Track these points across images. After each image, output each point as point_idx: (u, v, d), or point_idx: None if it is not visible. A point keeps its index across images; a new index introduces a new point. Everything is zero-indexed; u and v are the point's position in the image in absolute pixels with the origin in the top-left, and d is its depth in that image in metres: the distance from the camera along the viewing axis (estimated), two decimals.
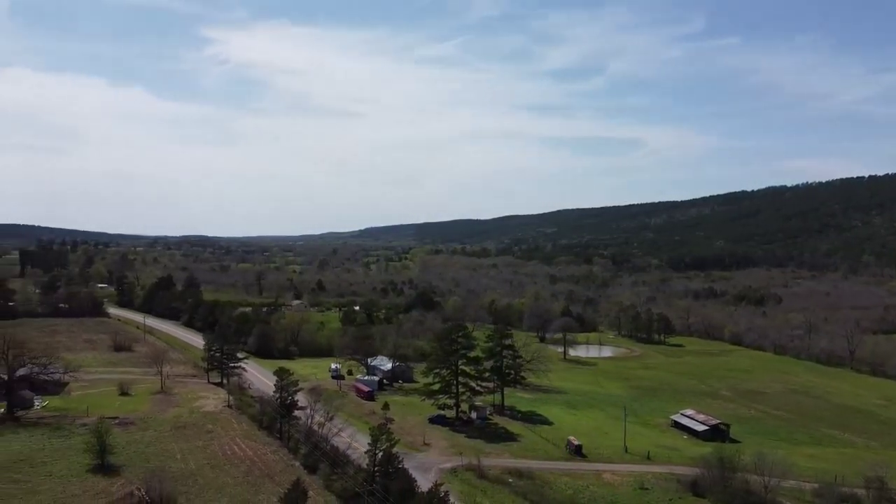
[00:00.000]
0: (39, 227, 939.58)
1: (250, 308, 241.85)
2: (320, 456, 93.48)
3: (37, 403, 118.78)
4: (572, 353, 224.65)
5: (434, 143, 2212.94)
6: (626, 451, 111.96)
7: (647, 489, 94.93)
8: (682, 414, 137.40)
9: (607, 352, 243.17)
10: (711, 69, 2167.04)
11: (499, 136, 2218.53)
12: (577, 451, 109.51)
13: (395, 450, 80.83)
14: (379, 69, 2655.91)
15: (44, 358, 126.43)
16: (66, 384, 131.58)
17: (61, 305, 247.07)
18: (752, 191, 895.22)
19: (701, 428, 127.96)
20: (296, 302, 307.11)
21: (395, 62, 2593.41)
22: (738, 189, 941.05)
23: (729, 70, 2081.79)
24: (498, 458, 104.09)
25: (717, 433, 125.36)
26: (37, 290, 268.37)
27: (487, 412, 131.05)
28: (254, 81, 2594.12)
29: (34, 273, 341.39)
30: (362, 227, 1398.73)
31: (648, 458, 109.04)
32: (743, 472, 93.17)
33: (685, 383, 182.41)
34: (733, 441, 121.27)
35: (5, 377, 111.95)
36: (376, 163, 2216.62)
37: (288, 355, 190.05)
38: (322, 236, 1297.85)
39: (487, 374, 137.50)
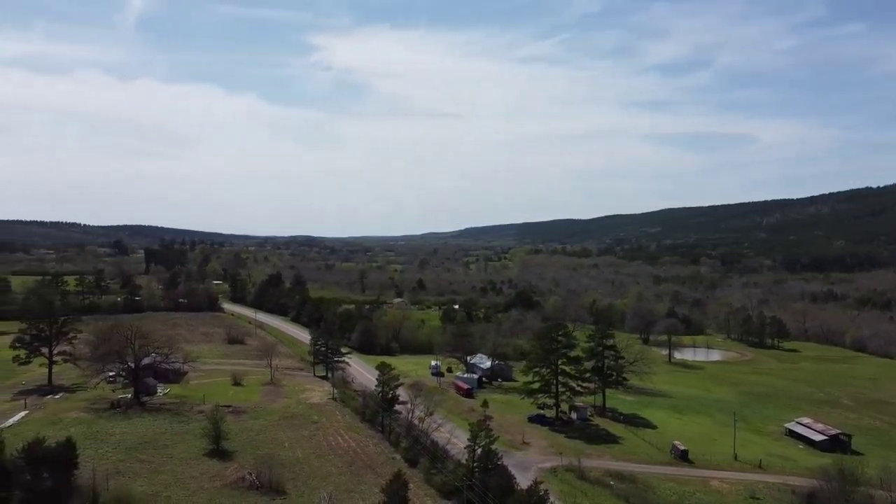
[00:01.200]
0: (163, 228, 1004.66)
1: (353, 305, 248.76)
2: (420, 450, 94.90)
3: (159, 390, 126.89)
4: (678, 355, 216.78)
5: (534, 143, 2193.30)
6: (736, 458, 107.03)
7: (758, 499, 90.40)
8: (797, 422, 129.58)
9: (715, 355, 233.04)
10: (831, 58, 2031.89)
11: (601, 134, 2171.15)
12: (682, 456, 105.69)
13: (494, 447, 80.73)
14: (478, 69, 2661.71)
15: (166, 349, 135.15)
16: (185, 373, 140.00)
17: (181, 300, 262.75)
18: (878, 187, 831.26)
19: (819, 438, 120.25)
20: (397, 300, 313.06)
21: (494, 62, 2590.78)
22: (861, 186, 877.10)
23: (851, 59, 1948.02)
24: (599, 460, 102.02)
25: (836, 444, 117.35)
26: (160, 287, 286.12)
27: (588, 413, 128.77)
28: (355, 86, 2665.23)
29: (158, 270, 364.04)
30: (462, 228, 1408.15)
31: (760, 467, 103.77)
32: (866, 486, 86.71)
33: (801, 390, 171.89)
34: (855, 453, 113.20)
35: (132, 365, 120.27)
36: (476, 163, 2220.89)
37: (389, 351, 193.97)
38: (423, 236, 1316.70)
39: (588, 375, 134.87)
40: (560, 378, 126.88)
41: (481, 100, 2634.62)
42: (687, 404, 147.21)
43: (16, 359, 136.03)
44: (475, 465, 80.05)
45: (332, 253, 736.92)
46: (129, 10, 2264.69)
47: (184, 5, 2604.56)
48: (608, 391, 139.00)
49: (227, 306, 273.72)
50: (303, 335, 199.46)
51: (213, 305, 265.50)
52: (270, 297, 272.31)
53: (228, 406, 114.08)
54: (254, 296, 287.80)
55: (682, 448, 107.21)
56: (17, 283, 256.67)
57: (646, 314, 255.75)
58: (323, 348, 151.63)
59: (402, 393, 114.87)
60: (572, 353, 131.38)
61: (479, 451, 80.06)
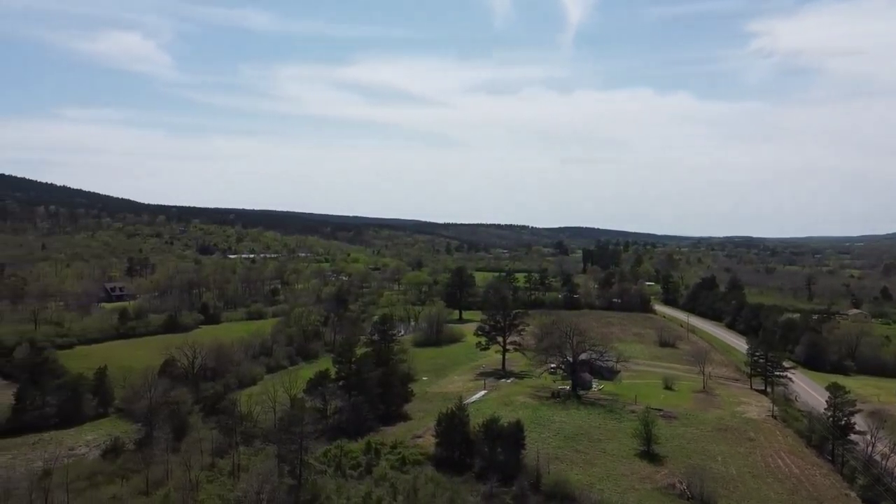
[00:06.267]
0: (598, 229, 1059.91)
1: (798, 314, 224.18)
2: (884, 492, 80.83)
3: (594, 386, 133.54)
4: None
5: None
6: None
7: None
8: None
9: None
10: None
11: None
12: None
13: None
14: None
15: (600, 346, 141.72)
16: (617, 372, 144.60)
17: (615, 300, 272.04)
18: None
19: None
20: (853, 311, 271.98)
21: None
22: None
23: None
24: None
25: None
26: (595, 285, 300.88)
27: None
28: (801, 70, 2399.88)
29: (594, 270, 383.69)
30: None
31: None
32: None
33: None
34: None
35: (570, 359, 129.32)
36: None
37: (842, 370, 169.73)
38: (888, 237, 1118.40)
39: None
40: None
41: None
42: None
43: (478, 345, 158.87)
44: None
45: (772, 255, 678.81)
46: (568, 28, 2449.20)
47: (617, 14, 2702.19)
48: None
49: (659, 308, 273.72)
50: (738, 343, 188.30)
51: (645, 306, 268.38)
52: (703, 301, 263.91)
53: (660, 409, 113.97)
54: (686, 298, 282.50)
55: None
56: (479, 277, 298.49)
57: None
58: (761, 359, 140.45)
59: (858, 420, 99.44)
60: None
61: None
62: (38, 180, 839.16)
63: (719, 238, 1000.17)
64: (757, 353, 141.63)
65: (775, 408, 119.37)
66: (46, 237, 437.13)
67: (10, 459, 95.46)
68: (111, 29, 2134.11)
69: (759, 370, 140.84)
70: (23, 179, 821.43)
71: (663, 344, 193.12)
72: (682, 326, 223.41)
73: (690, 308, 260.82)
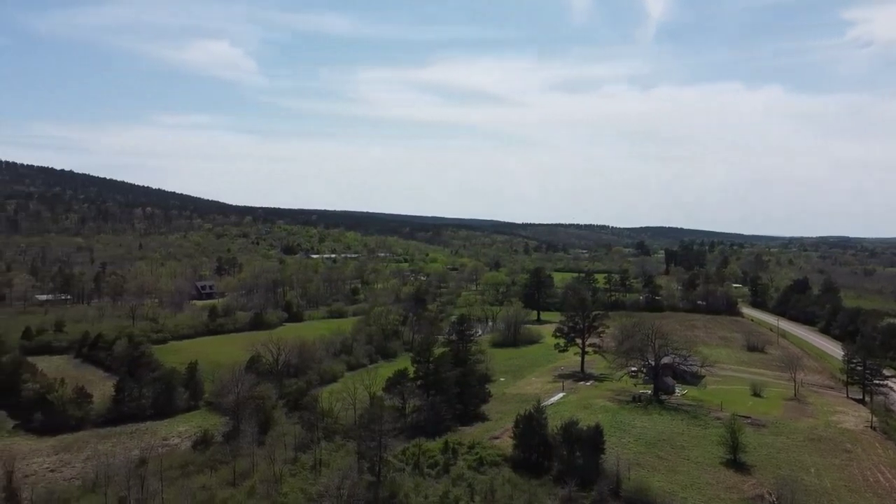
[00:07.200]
0: (682, 229, 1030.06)
1: None
2: None
3: (677, 391, 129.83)
4: None
5: None
6: None
7: None
8: None
9: None
10: None
11: None
12: None
13: None
14: None
15: (684, 350, 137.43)
16: (702, 377, 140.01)
17: (699, 302, 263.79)
18: None
19: None
20: None
21: None
22: None
23: None
24: None
25: None
26: (678, 287, 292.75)
27: None
28: None
29: (677, 271, 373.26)
30: None
31: None
32: None
33: None
34: None
35: (652, 363, 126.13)
36: None
37: None
38: None
39: None
40: None
41: None
42: None
43: (556, 346, 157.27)
44: None
45: (871, 256, 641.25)
46: (649, 23, 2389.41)
47: (701, 6, 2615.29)
48: None
49: (747, 311, 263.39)
50: (833, 349, 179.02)
51: (731, 309, 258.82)
52: (795, 304, 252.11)
53: (747, 417, 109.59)
54: (776, 301, 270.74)
55: None
56: (558, 278, 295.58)
57: None
58: (859, 367, 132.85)
59: None
60: None
61: None
62: (136, 183, 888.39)
63: (812, 238, 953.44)
64: (854, 360, 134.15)
65: (874, 418, 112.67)
66: (143, 237, 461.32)
67: (111, 447, 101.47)
68: (201, 38, 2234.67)
69: (856, 378, 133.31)
70: (122, 183, 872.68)
71: (751, 348, 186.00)
72: (771, 330, 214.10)
73: (781, 311, 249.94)
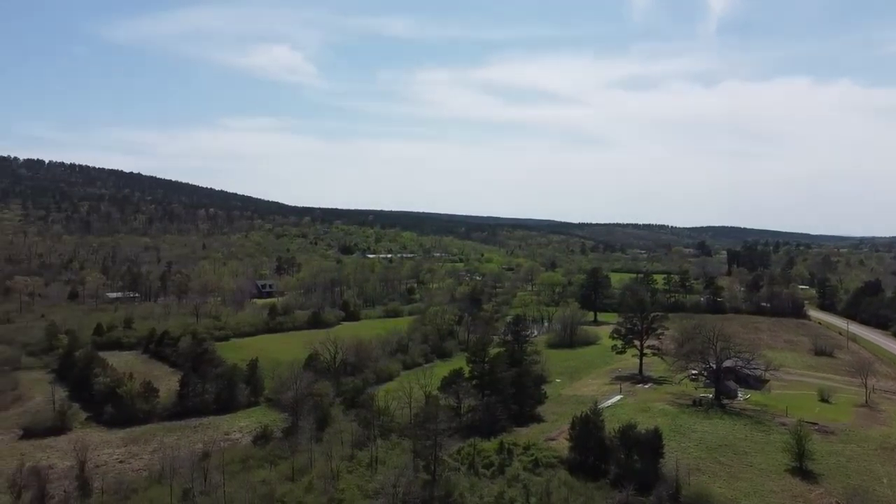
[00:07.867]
0: (745, 229, 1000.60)
1: None
2: None
3: (740, 395, 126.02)
4: None
5: None
6: None
7: None
8: None
9: None
10: None
11: None
12: None
13: None
14: None
15: (747, 353, 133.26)
16: (766, 381, 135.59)
17: (763, 304, 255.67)
18: None
19: None
20: None
21: None
22: None
23: None
24: None
25: None
26: (741, 288, 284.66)
27: None
28: None
29: (739, 272, 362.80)
30: None
31: None
32: None
33: None
34: None
35: (714, 366, 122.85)
36: None
37: None
38: None
39: None
40: None
41: None
42: None
43: (613, 347, 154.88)
44: None
45: None
46: (710, 18, 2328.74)
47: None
48: None
49: (814, 314, 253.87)
50: None
51: (797, 311, 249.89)
52: (866, 307, 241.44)
53: (814, 423, 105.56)
54: (846, 303, 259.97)
55: None
56: (615, 279, 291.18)
57: None
58: None
59: None
60: None
61: None
62: (200, 185, 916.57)
63: (885, 238, 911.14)
64: None
65: None
66: (207, 237, 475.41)
67: (176, 440, 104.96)
68: (263, 43, 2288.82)
69: None
70: (187, 185, 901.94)
71: (819, 352, 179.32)
72: (840, 334, 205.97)
73: (851, 314, 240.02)
